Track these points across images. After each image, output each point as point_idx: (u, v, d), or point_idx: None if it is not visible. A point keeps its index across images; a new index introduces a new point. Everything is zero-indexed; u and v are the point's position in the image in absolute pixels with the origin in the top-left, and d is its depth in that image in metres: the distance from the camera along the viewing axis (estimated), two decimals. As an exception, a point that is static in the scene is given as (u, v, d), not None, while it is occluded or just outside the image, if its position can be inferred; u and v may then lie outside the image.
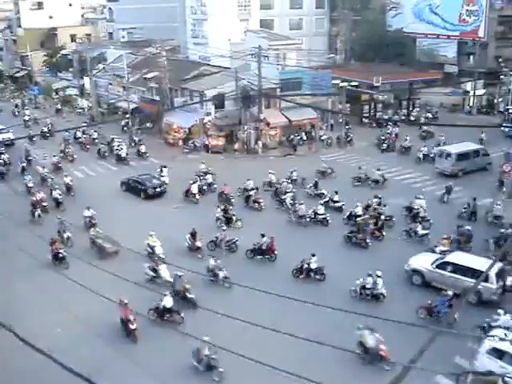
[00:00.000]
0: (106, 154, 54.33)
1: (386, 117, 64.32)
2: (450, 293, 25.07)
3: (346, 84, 58.12)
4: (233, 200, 39.97)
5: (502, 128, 56.17)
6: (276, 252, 31.60)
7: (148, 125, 64.82)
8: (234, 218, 36.87)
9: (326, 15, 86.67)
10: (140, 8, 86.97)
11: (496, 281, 26.31)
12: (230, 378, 21.37)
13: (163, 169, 45.96)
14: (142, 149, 54.29)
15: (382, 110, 66.01)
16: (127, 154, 53.05)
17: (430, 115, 63.26)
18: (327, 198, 39.12)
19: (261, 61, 52.62)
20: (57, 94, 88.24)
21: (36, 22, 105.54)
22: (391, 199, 38.75)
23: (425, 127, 57.16)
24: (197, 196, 41.32)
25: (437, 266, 28.14)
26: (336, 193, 38.99)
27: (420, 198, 37.00)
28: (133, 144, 57.69)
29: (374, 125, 62.43)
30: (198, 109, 56.37)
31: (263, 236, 31.84)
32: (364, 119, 64.10)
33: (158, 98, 61.56)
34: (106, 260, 31.31)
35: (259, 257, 31.74)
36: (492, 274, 26.13)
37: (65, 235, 33.95)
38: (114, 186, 45.05)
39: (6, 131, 59.82)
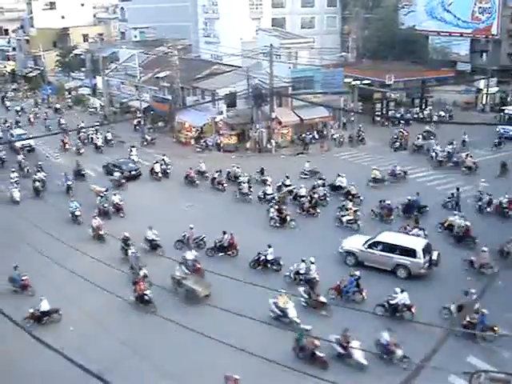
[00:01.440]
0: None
1: (398, 115, 64.08)
2: (358, 273, 26.82)
3: (358, 82, 57.97)
4: (197, 182, 45.36)
5: (498, 129, 55.62)
6: (237, 248, 32.10)
7: (160, 124, 65.06)
8: (288, 218, 36.20)
9: (337, 13, 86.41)
10: (152, 7, 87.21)
11: (423, 256, 28.29)
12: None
13: (132, 149, 52.97)
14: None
15: (394, 108, 65.77)
16: (103, 143, 58.43)
17: (442, 113, 62.80)
18: (280, 183, 42.33)
19: (272, 59, 52.55)
20: (69, 93, 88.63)
21: (48, 22, 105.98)
22: (402, 197, 38.57)
23: (427, 127, 56.66)
24: (197, 181, 45.40)
25: (368, 246, 30.01)
26: (287, 177, 42.33)
27: (342, 176, 41.70)
28: (145, 143, 57.87)
29: (386, 123, 62.22)
30: (209, 108, 56.47)
31: (224, 233, 32.29)
32: (376, 118, 63.84)
33: (170, 97, 61.70)
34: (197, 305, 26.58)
35: (221, 254, 31.98)
36: (419, 249, 28.38)
37: (141, 272, 28.33)
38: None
39: (26, 137, 57.90)
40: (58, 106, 79.73)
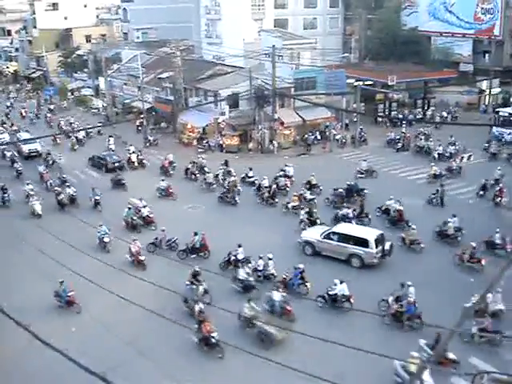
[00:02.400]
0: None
1: (400, 116, 64.08)
2: (301, 266, 27.58)
3: (360, 83, 57.98)
4: (172, 172, 48.24)
5: (493, 131, 55.43)
6: (209, 249, 31.99)
7: (162, 125, 65.13)
8: (318, 220, 35.10)
9: (340, 14, 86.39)
10: (154, 8, 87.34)
11: (375, 246, 29.77)
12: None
13: (110, 138, 56.95)
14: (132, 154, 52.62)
15: (396, 109, 65.76)
16: (84, 137, 61.82)
17: (444, 114, 62.71)
18: (243, 175, 44.99)
19: (275, 60, 52.57)
20: (72, 94, 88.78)
21: (51, 22, 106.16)
22: (405, 198, 38.54)
23: (421, 129, 56.51)
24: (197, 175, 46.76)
25: (324, 237, 31.47)
26: (250, 169, 45.07)
27: (289, 166, 45.24)
28: (148, 144, 57.93)
29: (389, 124, 62.21)
30: (212, 108, 56.49)
31: (196, 234, 32.10)
32: (379, 118, 63.82)
33: (172, 98, 61.74)
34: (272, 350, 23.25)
35: (193, 256, 31.67)
36: (371, 239, 29.86)
37: (196, 307, 24.10)
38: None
39: (33, 141, 55.93)
40: (51, 106, 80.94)
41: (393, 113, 65.38)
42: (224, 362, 22.44)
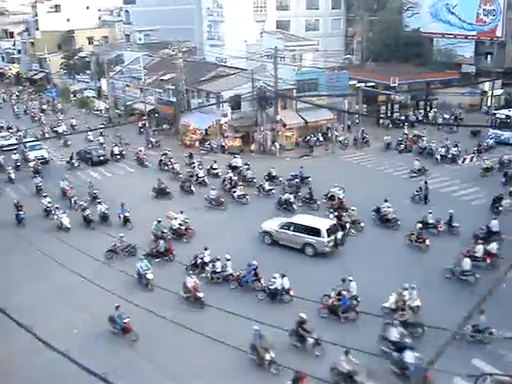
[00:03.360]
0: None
1: (402, 117, 64.06)
2: (255, 262, 28.05)
3: (362, 84, 57.98)
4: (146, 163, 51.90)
5: (489, 133, 55.27)
6: (174, 252, 31.96)
7: (165, 126, 65.21)
8: (347, 225, 34.50)
9: (342, 16, 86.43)
10: (156, 10, 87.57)
11: (327, 235, 31.41)
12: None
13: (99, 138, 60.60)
14: (115, 150, 55.51)
15: (398, 110, 65.71)
16: (64, 131, 65.51)
17: (446, 115, 62.62)
18: (208, 167, 48.03)
19: (277, 62, 52.57)
20: (74, 96, 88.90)
21: (53, 24, 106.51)
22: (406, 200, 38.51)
23: (415, 131, 56.41)
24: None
25: (281, 227, 33.14)
26: (215, 162, 48.59)
27: (237, 157, 49.01)
28: (150, 145, 57.97)
29: (391, 125, 62.19)
30: (214, 110, 56.52)
31: (161, 238, 32.39)
32: (381, 120, 63.81)
33: (174, 100, 61.77)
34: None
35: (157, 260, 31.44)
36: (323, 229, 31.52)
37: (267, 356, 21.72)
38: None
39: (39, 148, 55.10)
40: (44, 106, 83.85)
41: (395, 114, 65.32)
42: None
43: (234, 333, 22.77)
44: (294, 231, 32.66)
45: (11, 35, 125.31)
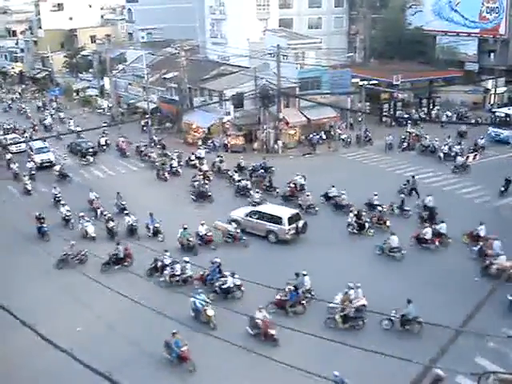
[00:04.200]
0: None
1: (406, 115, 63.99)
2: (218, 260, 28.53)
3: (365, 82, 57.87)
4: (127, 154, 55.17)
5: (489, 131, 55.27)
6: (132, 257, 31.46)
7: (167, 125, 65.16)
8: (366, 224, 34.59)
9: (344, 14, 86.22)
10: (159, 8, 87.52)
11: (288, 224, 33.24)
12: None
13: (70, 121, 66.73)
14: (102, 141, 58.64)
15: (401, 108, 65.62)
16: (50, 124, 69.57)
17: (449, 113, 62.40)
18: (187, 157, 50.69)
19: (280, 60, 52.55)
20: (77, 94, 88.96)
21: (56, 23, 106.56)
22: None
23: (412, 129, 56.19)
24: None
25: (247, 215, 35.15)
26: (192, 154, 51.29)
27: (201, 149, 53.05)
28: (152, 144, 58.00)
29: (394, 123, 62.12)
30: (217, 108, 56.53)
31: (118, 244, 31.65)
32: (383, 118, 63.74)
33: (177, 98, 61.82)
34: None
35: (117, 267, 30.68)
36: (285, 218, 33.38)
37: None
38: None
39: (46, 150, 54.11)
40: (39, 103, 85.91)
41: (398, 112, 65.23)
42: (231, 363, 22.41)
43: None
44: (258, 219, 34.60)
45: (14, 34, 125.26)
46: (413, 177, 41.48)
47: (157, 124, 65.51)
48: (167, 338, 22.31)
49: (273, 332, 23.20)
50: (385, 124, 62.78)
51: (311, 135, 56.13)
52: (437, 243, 31.78)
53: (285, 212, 34.44)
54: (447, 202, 38.28)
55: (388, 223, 34.46)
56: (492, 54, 70.10)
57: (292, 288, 25.68)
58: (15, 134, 64.67)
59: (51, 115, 74.81)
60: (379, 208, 35.67)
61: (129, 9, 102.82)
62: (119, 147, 56.46)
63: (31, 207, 39.22)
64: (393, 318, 23.94)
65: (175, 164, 49.21)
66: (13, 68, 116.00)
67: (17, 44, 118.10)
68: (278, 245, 33.63)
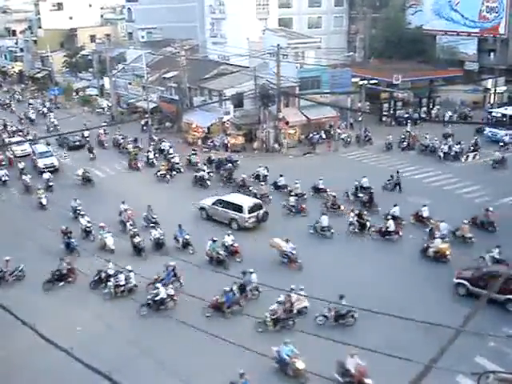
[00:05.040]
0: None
1: (406, 115, 63.99)
2: (172, 263, 28.37)
3: (365, 82, 57.89)
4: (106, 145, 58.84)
5: (486, 131, 55.24)
6: (76, 273, 29.79)
7: (167, 124, 65.15)
8: (368, 223, 34.56)
9: (344, 13, 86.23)
10: (159, 8, 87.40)
11: (248, 212, 35.52)
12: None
13: (50, 114, 71.52)
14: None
15: (401, 108, 65.61)
16: (35, 117, 73.40)
17: (449, 113, 62.31)
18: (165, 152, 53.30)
19: (279, 59, 52.54)
20: (77, 94, 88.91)
21: (56, 22, 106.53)
22: (411, 198, 38.52)
23: (408, 128, 56.22)
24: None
25: (213, 204, 37.52)
26: (170, 147, 53.83)
27: (165, 141, 55.63)
28: (152, 143, 57.97)
29: (393, 123, 62.12)
30: (217, 108, 56.51)
31: (62, 260, 29.99)
32: (383, 117, 63.74)
33: (177, 98, 61.80)
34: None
35: (61, 283, 29.43)
36: (245, 206, 35.70)
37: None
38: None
39: (49, 154, 52.21)
40: (31, 101, 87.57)
41: (398, 112, 65.23)
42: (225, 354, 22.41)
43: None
44: (222, 207, 36.88)
45: (14, 33, 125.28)
46: (397, 172, 42.67)
47: (157, 123, 65.50)
48: (233, 379, 20.21)
49: (368, 382, 20.10)
50: (385, 124, 62.80)
51: (311, 135, 56.13)
52: (400, 233, 33.40)
53: (246, 201, 36.75)
54: (447, 201, 38.32)
55: (342, 207, 37.36)
56: (492, 54, 70.10)
57: (227, 289, 25.62)
58: (20, 137, 61.87)
59: (35, 108, 79.62)
60: (333, 193, 38.38)
61: (128, 8, 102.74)
62: (99, 139, 59.86)
63: (49, 221, 37.34)
64: (327, 314, 24.50)
65: (151, 156, 52.02)
66: (12, 67, 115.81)
67: (16, 43, 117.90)
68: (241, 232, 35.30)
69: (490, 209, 34.68)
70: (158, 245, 33.15)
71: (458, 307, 25.08)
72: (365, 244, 33.66)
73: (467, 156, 49.46)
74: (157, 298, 26.17)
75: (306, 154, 53.48)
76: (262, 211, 36.14)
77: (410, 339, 22.62)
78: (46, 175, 46.70)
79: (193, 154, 51.18)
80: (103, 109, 77.27)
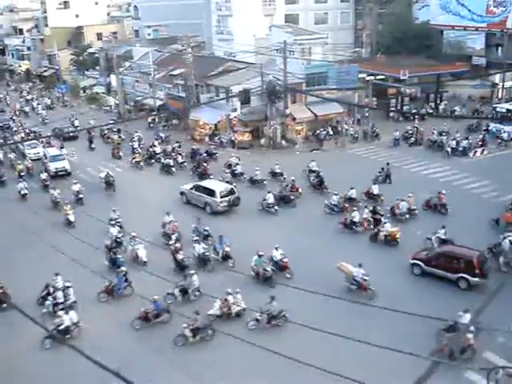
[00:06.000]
0: None
1: (414, 110, 63.80)
2: (124, 268, 28.05)
3: (372, 78, 57.71)
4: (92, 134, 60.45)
5: (490, 127, 54.94)
6: (9, 296, 27.26)
7: (174, 121, 65.20)
8: (382, 219, 34.21)
9: (351, 9, 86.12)
10: (165, 5, 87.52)
11: (220, 197, 38.03)
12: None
13: (38, 106, 78.92)
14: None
15: (408, 103, 65.42)
16: (29, 111, 79.26)
17: (457, 108, 62.13)
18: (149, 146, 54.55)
19: (286, 56, 52.47)
20: (84, 92, 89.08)
21: (63, 20, 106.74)
22: (417, 192, 38.48)
23: (408, 126, 55.93)
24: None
25: (191, 189, 40.25)
26: (155, 139, 56.46)
27: (137, 131, 57.87)
28: (160, 141, 58.02)
29: (401, 118, 61.96)
30: (223, 105, 56.51)
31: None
32: (391, 113, 63.56)
33: (184, 95, 61.78)
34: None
35: None
36: (217, 191, 38.23)
37: None
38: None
39: (61, 158, 49.84)
40: (28, 97, 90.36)
41: (405, 107, 65.04)
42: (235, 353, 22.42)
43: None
44: (198, 192, 39.44)
45: (21, 32, 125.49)
46: (387, 164, 43.59)
47: (164, 121, 65.57)
48: None
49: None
50: (392, 119, 62.60)
51: (318, 131, 56.07)
52: (365, 225, 34.23)
53: (219, 186, 39.20)
54: (455, 197, 38.18)
55: (300, 190, 40.68)
56: (499, 48, 69.74)
57: (156, 298, 24.96)
58: (35, 141, 57.56)
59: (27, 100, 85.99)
60: (292, 178, 41.53)
61: (135, 6, 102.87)
62: (88, 132, 62.07)
63: (83, 236, 33.74)
64: (259, 317, 24.21)
65: (136, 145, 54.64)
66: (20, 66, 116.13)
67: (23, 42, 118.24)
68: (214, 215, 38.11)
69: (443, 191, 36.78)
70: (203, 261, 30.24)
71: (415, 286, 27.76)
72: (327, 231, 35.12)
73: (475, 151, 49.28)
74: (61, 328, 23.83)
75: (313, 151, 53.37)
76: (233, 196, 38.62)
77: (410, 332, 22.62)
78: (76, 187, 41.85)
79: (153, 146, 54.18)
80: (110, 106, 77.43)
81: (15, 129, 66.91)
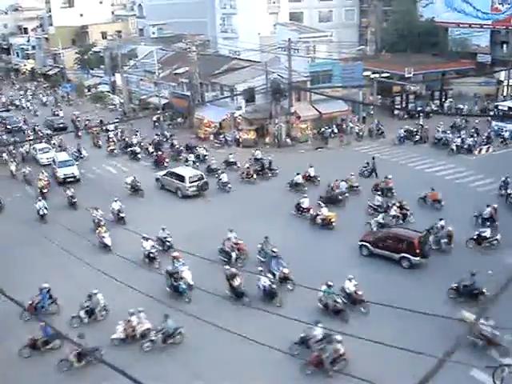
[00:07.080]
0: None
1: (419, 108, 63.70)
2: (46, 285, 26.18)
3: (377, 75, 57.65)
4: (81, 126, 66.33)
5: (492, 125, 54.69)
6: None
7: (179, 120, 65.25)
8: (408, 213, 34.66)
9: (355, 6, 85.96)
10: (169, 4, 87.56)
11: (189, 182, 41.23)
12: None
13: (22, 98, 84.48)
14: None
15: (413, 101, 65.32)
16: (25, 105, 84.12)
17: (461, 106, 62.00)
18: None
19: (291, 54, 52.44)
20: (89, 90, 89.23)
21: (67, 19, 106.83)
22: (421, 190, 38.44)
23: (406, 126, 55.77)
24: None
25: (164, 175, 43.69)
26: (135, 135, 58.52)
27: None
28: (164, 139, 58.08)
29: (406, 116, 61.86)
30: (228, 103, 56.50)
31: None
32: (396, 111, 63.47)
33: (188, 93, 61.84)
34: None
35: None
36: (187, 176, 41.55)
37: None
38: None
39: (71, 163, 47.53)
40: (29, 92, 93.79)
41: (410, 105, 64.94)
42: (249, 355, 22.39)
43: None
44: (170, 178, 42.69)
45: (25, 31, 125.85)
46: (373, 158, 44.63)
47: (168, 119, 65.64)
48: None
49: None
50: (397, 117, 62.49)
51: (323, 129, 56.04)
52: (311, 211, 35.83)
53: (188, 172, 42.59)
54: (460, 194, 38.13)
55: (254, 176, 44.31)
56: (505, 46, 69.52)
57: (43, 324, 22.75)
58: (45, 144, 55.85)
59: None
60: (247, 165, 45.54)
61: (139, 4, 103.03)
62: (73, 122, 68.41)
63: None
64: (154, 338, 23.18)
65: (111, 135, 58.56)
66: (24, 65, 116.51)
67: (28, 41, 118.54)
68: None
69: (389, 176, 39.48)
70: (271, 294, 25.77)
71: (363, 266, 29.75)
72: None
73: (480, 149, 49.19)
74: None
75: (318, 149, 53.36)
76: (202, 181, 41.76)
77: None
78: (116, 205, 36.82)
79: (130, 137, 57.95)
80: (115, 105, 77.55)
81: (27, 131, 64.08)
